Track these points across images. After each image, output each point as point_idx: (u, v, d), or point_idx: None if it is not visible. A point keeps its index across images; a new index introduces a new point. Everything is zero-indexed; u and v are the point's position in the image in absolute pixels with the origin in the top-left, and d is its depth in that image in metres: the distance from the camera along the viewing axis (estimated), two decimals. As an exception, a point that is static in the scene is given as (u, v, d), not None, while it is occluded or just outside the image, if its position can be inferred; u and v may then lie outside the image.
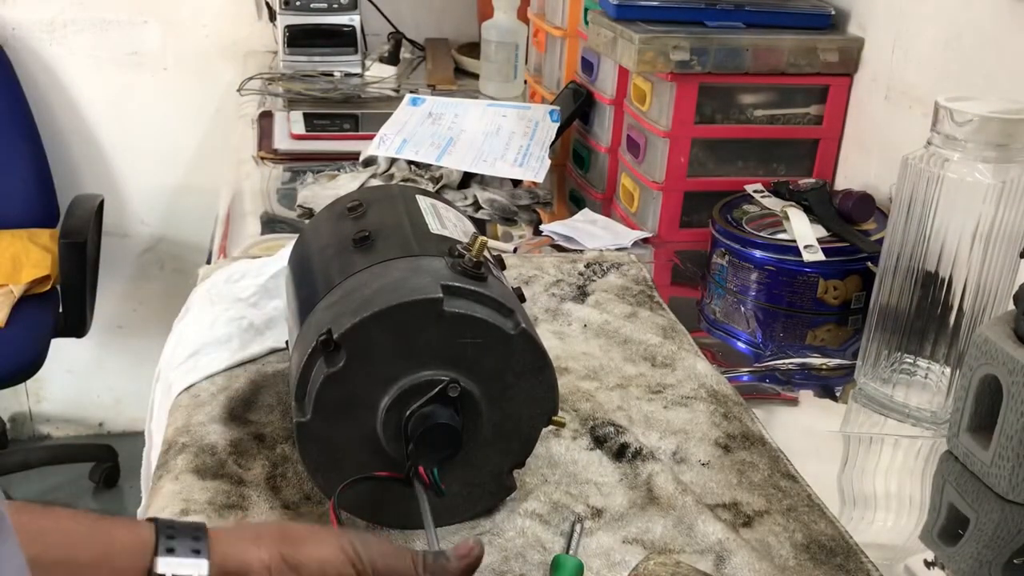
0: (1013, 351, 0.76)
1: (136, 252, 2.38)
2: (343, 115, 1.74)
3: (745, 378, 0.97)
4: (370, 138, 1.40)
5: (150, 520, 0.52)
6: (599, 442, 0.81)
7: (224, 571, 0.51)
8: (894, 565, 0.72)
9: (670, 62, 1.18)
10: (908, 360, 0.91)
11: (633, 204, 1.30)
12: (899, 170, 0.87)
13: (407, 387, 0.65)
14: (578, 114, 1.46)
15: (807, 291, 1.08)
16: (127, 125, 2.25)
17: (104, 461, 2.31)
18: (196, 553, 0.50)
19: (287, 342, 0.80)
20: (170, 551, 0.50)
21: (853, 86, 1.25)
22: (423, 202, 0.81)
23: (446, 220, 0.78)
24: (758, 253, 1.09)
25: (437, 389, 0.65)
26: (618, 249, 1.21)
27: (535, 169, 1.33)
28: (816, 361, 1.00)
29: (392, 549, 0.56)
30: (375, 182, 1.31)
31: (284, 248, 0.99)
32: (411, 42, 2.15)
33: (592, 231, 1.25)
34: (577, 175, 1.50)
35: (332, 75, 1.93)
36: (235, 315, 0.94)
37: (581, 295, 1.07)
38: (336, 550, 0.54)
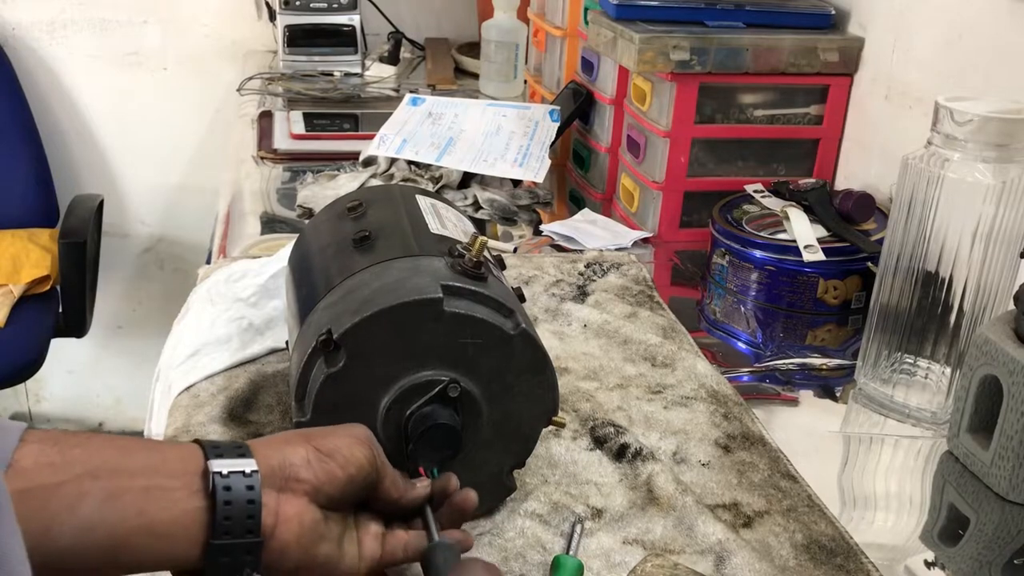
0: (1013, 351, 0.76)
1: (136, 252, 2.38)
2: (343, 115, 1.74)
3: (745, 378, 0.97)
4: (370, 138, 1.40)
5: (194, 441, 0.56)
6: (599, 442, 0.81)
7: (269, 467, 0.55)
8: (894, 565, 0.72)
9: (670, 62, 1.18)
10: (908, 360, 0.91)
11: (633, 204, 1.30)
12: (899, 170, 0.87)
13: (407, 387, 0.65)
14: (578, 114, 1.46)
15: (807, 291, 1.08)
16: (127, 125, 2.25)
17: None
18: (241, 456, 0.54)
19: (287, 342, 0.80)
20: (219, 456, 0.53)
21: (853, 86, 1.25)
22: (423, 202, 0.81)
23: (446, 220, 0.78)
24: (758, 253, 1.09)
25: (437, 389, 0.65)
26: (618, 249, 1.21)
27: (535, 169, 1.33)
28: (816, 361, 1.00)
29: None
30: (375, 182, 1.31)
31: (284, 248, 0.99)
32: (411, 42, 2.15)
33: (592, 231, 1.25)
34: (577, 175, 1.50)
35: (332, 75, 1.93)
36: (235, 315, 0.94)
37: (581, 295, 1.07)
38: (355, 440, 0.59)
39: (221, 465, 0.53)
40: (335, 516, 0.58)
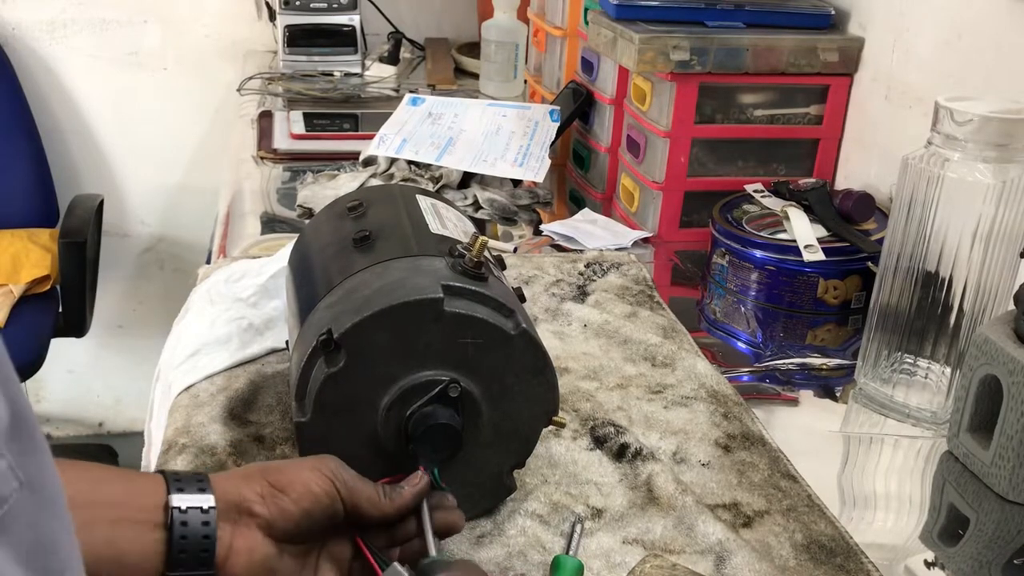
0: (1013, 351, 0.76)
1: (136, 252, 2.38)
2: (343, 115, 1.74)
3: (745, 378, 0.97)
4: (370, 138, 1.40)
5: (159, 471, 0.58)
6: (599, 442, 0.81)
7: (227, 503, 0.57)
8: (894, 565, 0.72)
9: (670, 62, 1.18)
10: (908, 360, 0.91)
11: (633, 204, 1.30)
12: (899, 170, 0.87)
13: (407, 387, 0.65)
14: (578, 114, 1.46)
15: (807, 291, 1.08)
16: (127, 125, 2.25)
17: (104, 461, 2.30)
18: (201, 491, 0.57)
19: (287, 342, 0.80)
20: (180, 490, 0.56)
21: (853, 86, 1.25)
22: (423, 202, 0.81)
23: (446, 220, 0.78)
24: (758, 253, 1.09)
25: (437, 389, 0.65)
26: (618, 249, 1.21)
27: (535, 169, 1.33)
28: (816, 361, 1.00)
29: (358, 475, 0.62)
30: (375, 182, 1.31)
31: (284, 248, 0.99)
32: (411, 42, 2.15)
33: (592, 231, 1.25)
34: (577, 175, 1.50)
35: (332, 75, 1.93)
36: (235, 315, 0.94)
37: (581, 295, 1.07)
38: (314, 472, 0.60)
39: (181, 500, 0.56)
40: (293, 549, 0.60)
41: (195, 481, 0.57)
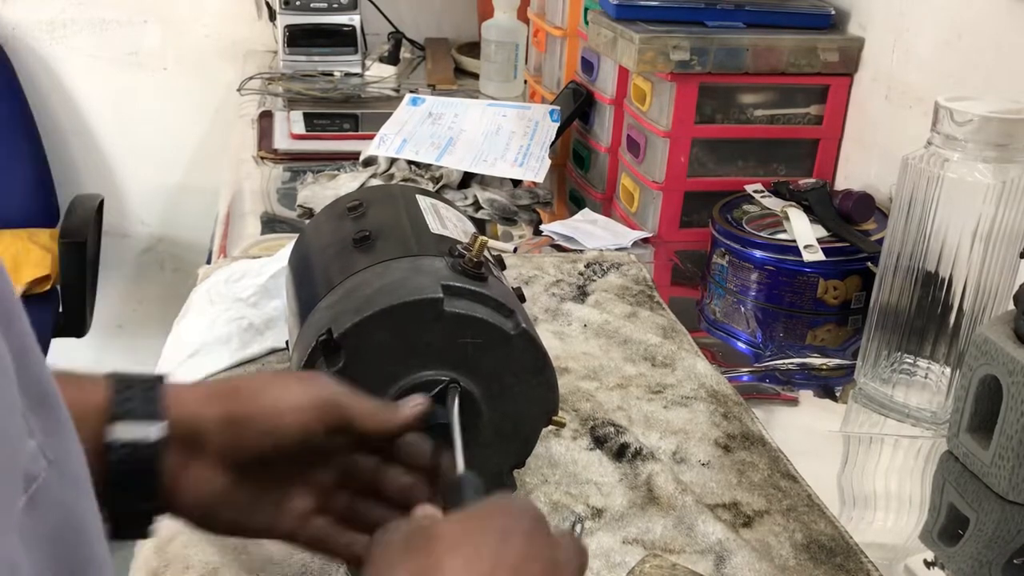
0: (1013, 351, 0.76)
1: (136, 252, 2.38)
2: (343, 115, 1.74)
3: (745, 378, 0.97)
4: (370, 138, 1.40)
5: (109, 376, 0.52)
6: (599, 442, 0.81)
7: (180, 426, 0.51)
8: (894, 565, 0.72)
9: (670, 62, 1.18)
10: (908, 360, 0.91)
11: (633, 204, 1.30)
12: (899, 170, 0.87)
13: (407, 387, 0.65)
14: (578, 114, 1.46)
15: (807, 291, 1.08)
16: (127, 125, 2.25)
17: (104, 461, 2.31)
18: (150, 416, 0.50)
19: (287, 342, 0.80)
20: (126, 413, 0.50)
21: (853, 86, 1.25)
22: (423, 202, 0.81)
23: (446, 220, 0.78)
24: (758, 253, 1.09)
25: (437, 389, 0.65)
26: (618, 249, 1.21)
27: (535, 169, 1.33)
28: (816, 361, 1.00)
29: (353, 392, 0.56)
30: (375, 182, 1.31)
31: (284, 248, 0.99)
32: (411, 42, 2.15)
33: (592, 231, 1.25)
34: (577, 175, 1.50)
35: (332, 75, 1.93)
36: (235, 315, 0.94)
37: (581, 295, 1.07)
38: (294, 397, 0.54)
39: (122, 431, 0.50)
40: (259, 476, 0.55)
41: (145, 400, 0.50)
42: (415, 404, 0.59)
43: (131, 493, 0.50)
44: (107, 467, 0.49)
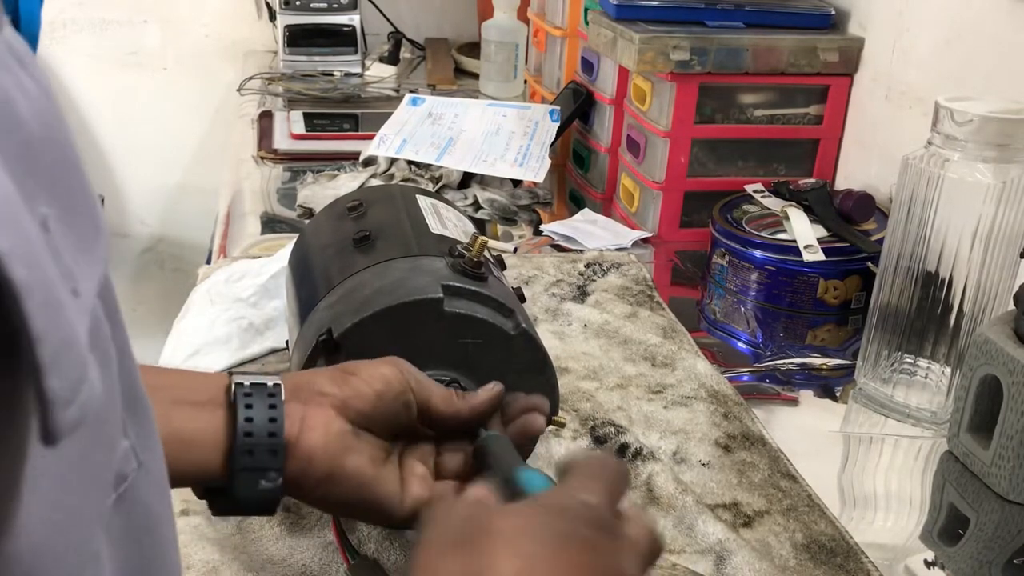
0: (1013, 351, 0.76)
1: (136, 252, 2.38)
2: (343, 115, 1.74)
3: (745, 378, 0.97)
4: (370, 138, 1.40)
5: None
6: (599, 442, 0.81)
7: (294, 383, 0.57)
8: (894, 565, 0.72)
9: (670, 62, 1.18)
10: (908, 360, 0.91)
11: (633, 204, 1.30)
12: (899, 170, 0.87)
13: (407, 387, 0.65)
14: (578, 114, 1.46)
15: (807, 291, 1.08)
16: (127, 125, 2.25)
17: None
18: (265, 375, 0.57)
19: (287, 342, 0.80)
20: (243, 374, 0.56)
21: (853, 86, 1.25)
22: (423, 202, 0.81)
23: (446, 220, 0.79)
24: (758, 253, 1.09)
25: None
26: (618, 249, 1.21)
27: (535, 169, 1.33)
28: (816, 361, 1.00)
29: (429, 377, 0.61)
30: (375, 182, 1.31)
31: (284, 248, 0.99)
32: (411, 42, 2.15)
33: (592, 231, 1.25)
34: (577, 175, 1.50)
35: (332, 75, 1.93)
36: (235, 315, 0.94)
37: (581, 295, 1.07)
38: (384, 363, 0.59)
39: (243, 379, 0.55)
40: (368, 436, 0.58)
41: (258, 372, 0.58)
42: (491, 389, 0.62)
43: (258, 437, 0.53)
44: (233, 413, 0.53)
